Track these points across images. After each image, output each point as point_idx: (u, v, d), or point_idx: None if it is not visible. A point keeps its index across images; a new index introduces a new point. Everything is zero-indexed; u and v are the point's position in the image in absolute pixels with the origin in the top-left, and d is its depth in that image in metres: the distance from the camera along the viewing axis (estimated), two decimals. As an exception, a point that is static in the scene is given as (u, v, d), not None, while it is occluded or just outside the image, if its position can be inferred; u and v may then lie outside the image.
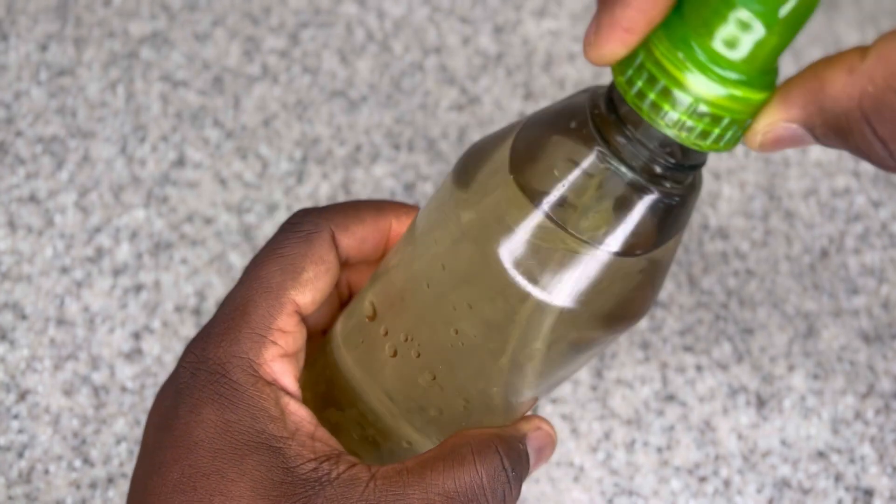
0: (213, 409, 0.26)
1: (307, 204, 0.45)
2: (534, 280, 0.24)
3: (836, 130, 0.20)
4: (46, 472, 0.38)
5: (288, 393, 0.27)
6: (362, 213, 0.29)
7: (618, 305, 0.25)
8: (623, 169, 0.23)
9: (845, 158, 0.51)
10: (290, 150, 0.47)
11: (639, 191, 0.23)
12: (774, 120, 0.21)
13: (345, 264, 0.30)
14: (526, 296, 0.24)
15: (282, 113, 0.48)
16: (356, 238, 0.29)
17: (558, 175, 0.23)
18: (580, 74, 0.51)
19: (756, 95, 0.21)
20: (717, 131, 0.21)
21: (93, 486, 0.38)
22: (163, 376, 0.41)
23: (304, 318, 0.28)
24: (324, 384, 0.30)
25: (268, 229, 0.44)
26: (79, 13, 0.50)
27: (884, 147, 0.20)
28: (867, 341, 0.45)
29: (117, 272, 0.43)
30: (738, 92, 0.20)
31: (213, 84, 0.48)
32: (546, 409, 0.42)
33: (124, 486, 0.38)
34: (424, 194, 0.46)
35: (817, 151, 0.51)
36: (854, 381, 0.44)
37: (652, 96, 0.21)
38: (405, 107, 0.49)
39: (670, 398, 0.43)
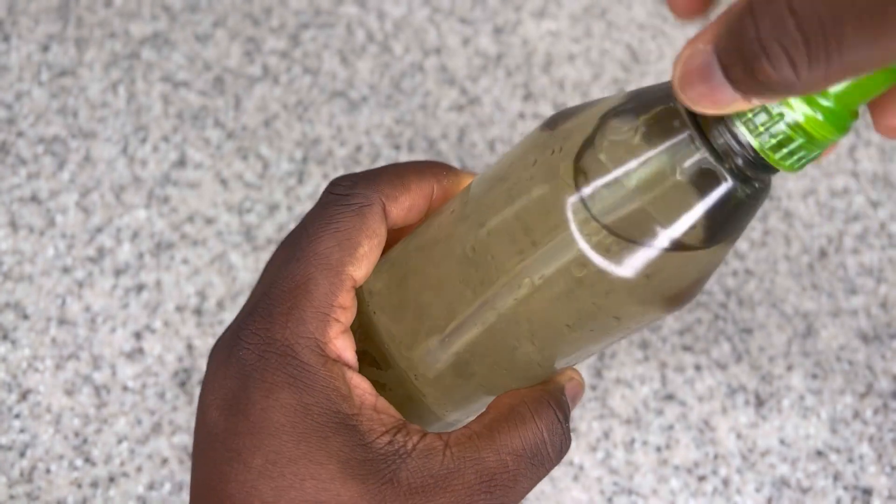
0: (289, 392, 0.26)
1: (308, 205, 0.46)
2: (604, 250, 0.24)
3: (730, 41, 0.19)
4: (48, 471, 0.39)
5: (350, 367, 0.27)
6: (407, 180, 0.29)
7: (677, 289, 0.26)
8: (709, 155, 0.23)
9: (844, 159, 0.51)
10: (290, 151, 0.47)
11: (718, 179, 0.24)
12: (694, 45, 0.21)
13: (389, 230, 0.30)
14: (590, 262, 0.25)
15: (282, 113, 0.48)
16: (404, 208, 0.29)
17: (646, 148, 0.24)
18: (580, 75, 0.51)
19: (832, 132, 0.22)
20: (788, 150, 0.22)
21: (94, 485, 0.38)
22: (164, 376, 0.41)
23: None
24: (361, 344, 0.30)
25: (268, 229, 0.45)
26: (80, 14, 0.50)
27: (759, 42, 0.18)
28: (866, 341, 0.45)
29: (118, 272, 0.43)
30: (820, 117, 0.22)
31: (214, 84, 0.48)
32: (546, 409, 0.42)
33: (125, 485, 0.39)
34: (424, 194, 0.47)
35: (816, 152, 0.51)
36: (853, 380, 0.44)
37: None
38: (405, 107, 0.49)
39: (669, 398, 0.43)
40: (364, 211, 0.28)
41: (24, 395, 0.40)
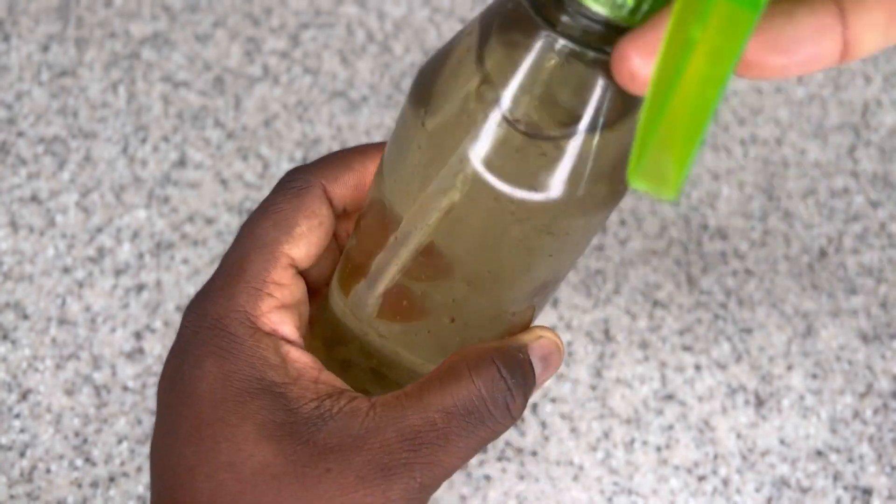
0: (212, 361, 0.26)
1: (308, 204, 0.46)
2: (510, 178, 0.24)
3: None
4: (48, 471, 0.39)
5: (289, 342, 0.27)
6: (349, 161, 0.30)
7: (595, 188, 0.25)
8: (572, 44, 0.22)
9: (844, 159, 0.51)
10: (290, 151, 0.47)
11: (591, 61, 0.23)
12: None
13: (343, 215, 0.30)
14: (501, 193, 0.24)
15: (282, 113, 0.48)
16: (348, 186, 0.30)
17: (513, 71, 0.23)
18: (580, 75, 0.51)
19: None
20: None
21: (94, 485, 0.38)
22: (164, 376, 0.41)
23: (302, 272, 0.29)
24: (329, 328, 0.31)
25: (268, 229, 0.45)
26: (80, 14, 0.50)
27: None
28: (866, 341, 0.45)
29: (119, 272, 0.43)
30: None
31: (214, 85, 0.48)
32: (546, 408, 0.42)
33: (126, 485, 0.39)
34: (424, 194, 0.47)
35: (816, 151, 0.51)
36: (853, 380, 0.44)
37: None
38: (405, 107, 0.49)
39: (669, 397, 0.43)
40: (302, 193, 0.29)
41: (24, 395, 0.40)
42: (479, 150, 0.24)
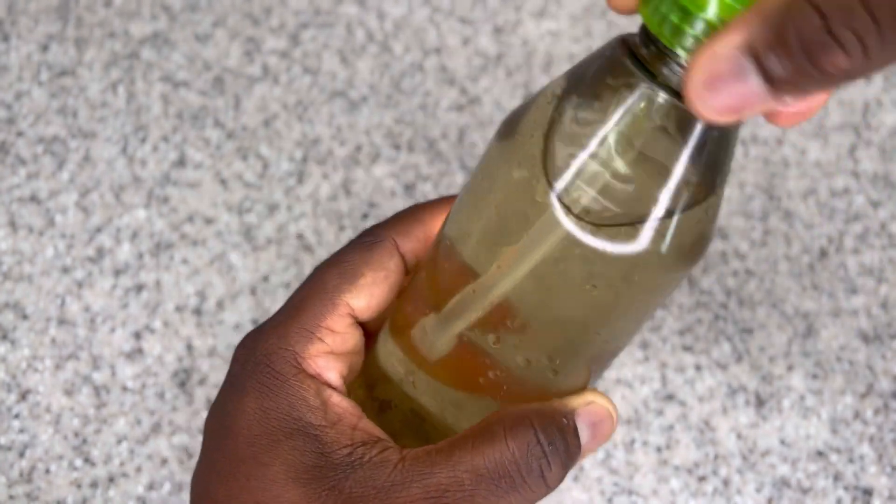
0: (253, 397, 0.27)
1: (308, 204, 0.46)
2: (604, 233, 0.23)
3: (778, 37, 0.18)
4: (47, 471, 0.38)
5: (331, 387, 0.27)
6: (419, 214, 0.30)
7: (683, 245, 0.24)
8: (672, 97, 0.22)
9: (844, 159, 0.51)
10: (290, 151, 0.47)
11: (689, 118, 0.22)
12: (715, 48, 0.19)
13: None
14: (595, 249, 0.23)
15: (282, 113, 0.48)
16: (419, 240, 0.30)
17: (607, 119, 0.23)
18: (580, 75, 0.51)
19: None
20: None
21: (94, 485, 0.38)
22: (164, 376, 0.41)
23: (360, 322, 0.29)
24: (373, 368, 0.31)
25: (268, 229, 0.45)
26: (80, 14, 0.50)
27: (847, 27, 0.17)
28: (866, 341, 0.45)
29: (118, 272, 0.43)
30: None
31: (214, 84, 0.48)
32: (546, 409, 0.42)
33: (125, 485, 0.38)
34: (424, 194, 0.47)
35: (817, 151, 0.51)
36: (853, 380, 0.44)
37: (674, 20, 0.21)
38: (405, 107, 0.49)
39: (670, 398, 0.43)
40: (372, 246, 0.29)
41: (23, 395, 0.40)
42: (571, 201, 0.23)
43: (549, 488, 0.26)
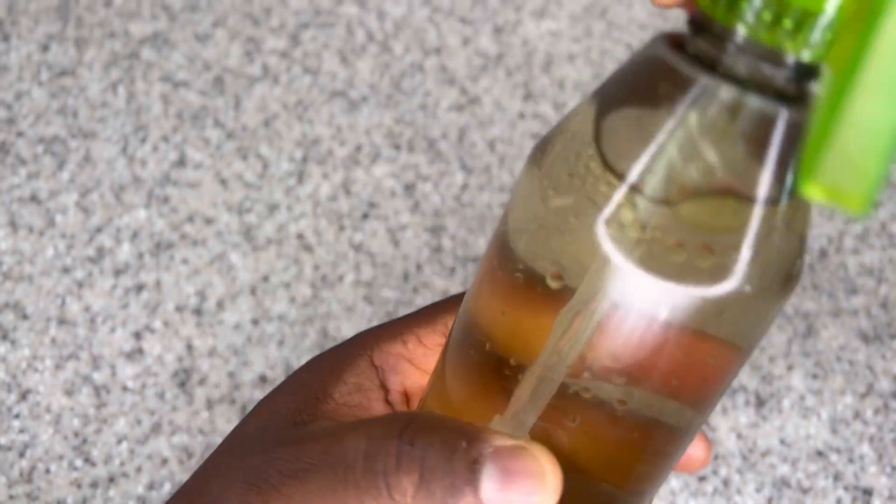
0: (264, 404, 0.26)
1: (308, 204, 0.46)
2: (669, 274, 0.18)
3: None
4: (48, 471, 0.39)
5: (384, 387, 0.25)
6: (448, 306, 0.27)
7: (780, 267, 0.19)
8: (746, 90, 0.18)
9: (844, 159, 0.51)
10: (290, 151, 0.47)
11: (764, 112, 0.18)
12: None
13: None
14: (668, 293, 0.18)
15: (282, 113, 0.48)
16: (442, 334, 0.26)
17: (668, 123, 0.18)
18: (580, 75, 0.51)
19: None
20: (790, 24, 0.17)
21: (94, 485, 0.38)
22: (164, 376, 0.41)
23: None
24: None
25: (268, 229, 0.45)
26: (80, 14, 0.50)
27: None
28: (866, 341, 0.45)
29: (118, 272, 0.43)
30: None
31: (214, 84, 0.48)
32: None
33: (125, 485, 0.38)
34: (424, 194, 0.47)
35: (816, 152, 0.51)
36: (853, 380, 0.44)
37: None
38: (405, 107, 0.49)
39: (670, 398, 0.43)
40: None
41: (23, 395, 0.40)
42: (627, 245, 0.19)
43: (393, 501, 0.20)
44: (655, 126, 0.18)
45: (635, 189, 0.18)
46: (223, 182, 0.46)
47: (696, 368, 0.19)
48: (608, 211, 0.19)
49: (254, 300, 0.43)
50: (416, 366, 0.25)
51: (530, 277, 0.20)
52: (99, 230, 0.44)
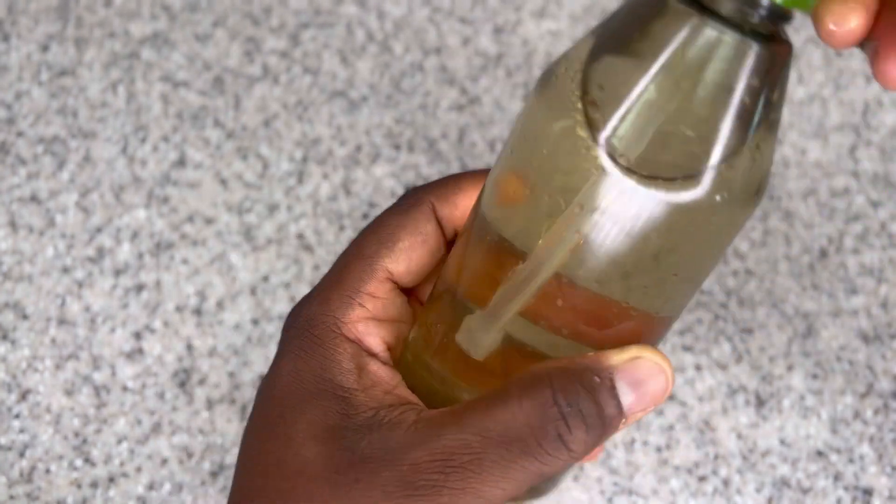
0: (290, 359, 0.27)
1: (308, 204, 0.46)
2: (657, 180, 0.22)
3: None
4: (48, 471, 0.39)
5: (372, 353, 0.28)
6: (462, 183, 0.30)
7: (748, 179, 0.23)
8: (727, 27, 0.21)
9: (844, 159, 0.51)
10: (290, 151, 0.47)
11: (746, 46, 0.21)
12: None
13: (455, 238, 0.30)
14: (653, 196, 0.22)
15: (282, 113, 0.48)
16: (459, 207, 0.29)
17: (659, 55, 0.22)
18: (580, 75, 0.51)
19: None
20: None
21: (94, 485, 0.38)
22: (164, 376, 0.41)
23: (402, 287, 0.29)
24: (417, 347, 0.30)
25: (268, 229, 0.45)
26: (80, 14, 0.50)
27: None
28: (866, 341, 0.45)
29: (118, 272, 0.43)
30: None
31: (214, 84, 0.48)
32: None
33: (125, 485, 0.38)
34: (424, 194, 0.47)
35: (816, 152, 0.51)
36: (853, 380, 0.44)
37: None
38: (405, 107, 0.49)
39: (670, 398, 0.43)
40: (410, 210, 0.29)
41: (23, 395, 0.40)
42: (625, 149, 0.22)
43: (573, 454, 0.24)
44: (646, 51, 0.22)
45: (623, 106, 0.22)
46: (223, 182, 0.46)
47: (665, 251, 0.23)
48: (595, 124, 0.22)
49: (254, 300, 0.43)
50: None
51: (536, 193, 0.23)
52: (99, 230, 0.44)
